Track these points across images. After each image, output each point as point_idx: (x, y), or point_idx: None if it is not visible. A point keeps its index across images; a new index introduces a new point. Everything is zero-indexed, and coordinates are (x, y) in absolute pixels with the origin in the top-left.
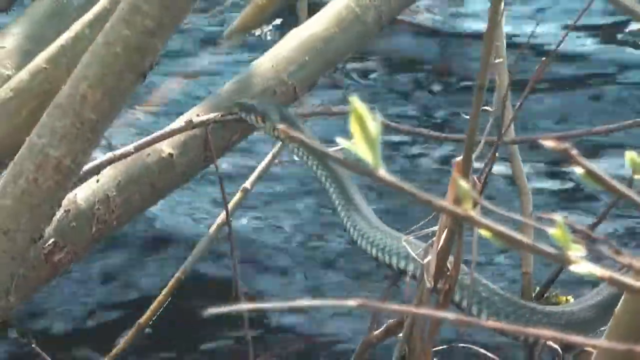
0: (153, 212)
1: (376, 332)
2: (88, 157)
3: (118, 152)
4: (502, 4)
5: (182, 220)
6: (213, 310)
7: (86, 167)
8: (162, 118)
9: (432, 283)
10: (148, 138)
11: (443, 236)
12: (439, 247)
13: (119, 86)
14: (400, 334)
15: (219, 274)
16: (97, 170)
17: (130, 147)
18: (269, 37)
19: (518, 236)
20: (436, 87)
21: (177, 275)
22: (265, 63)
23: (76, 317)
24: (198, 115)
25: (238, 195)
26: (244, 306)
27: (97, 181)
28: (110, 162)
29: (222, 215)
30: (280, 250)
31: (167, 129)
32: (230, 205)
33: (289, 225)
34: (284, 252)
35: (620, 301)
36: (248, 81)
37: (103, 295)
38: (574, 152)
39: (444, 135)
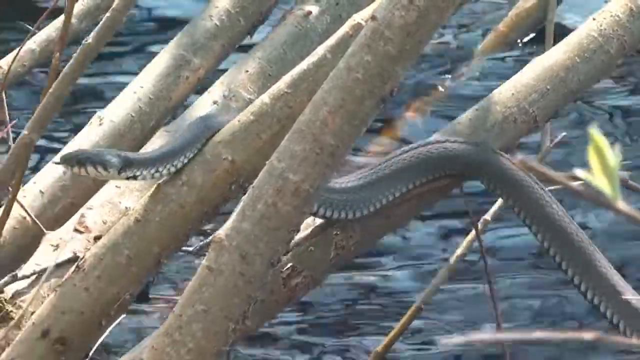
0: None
1: None
2: (327, 183)
3: None
4: None
5: (420, 250)
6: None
7: None
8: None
9: None
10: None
11: None
12: None
13: (359, 112)
14: None
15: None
16: None
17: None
18: (510, 65)
19: None
20: None
21: (416, 304)
22: (507, 90)
23: (305, 343)
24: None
25: (479, 226)
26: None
27: None
28: None
29: (463, 244)
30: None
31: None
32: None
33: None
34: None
35: None
36: (488, 108)
37: (336, 318)
38: None
39: None
